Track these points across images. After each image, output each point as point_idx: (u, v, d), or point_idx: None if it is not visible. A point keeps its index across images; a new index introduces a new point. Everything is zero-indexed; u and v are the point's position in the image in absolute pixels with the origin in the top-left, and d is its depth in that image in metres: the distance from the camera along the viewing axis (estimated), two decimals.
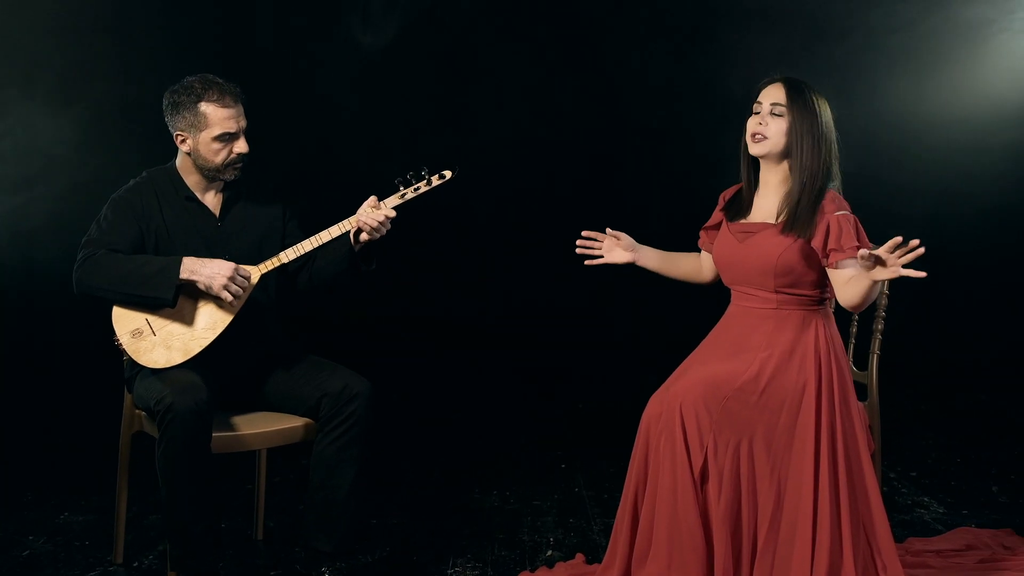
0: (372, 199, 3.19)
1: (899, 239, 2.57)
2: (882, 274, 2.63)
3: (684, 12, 5.96)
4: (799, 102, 2.93)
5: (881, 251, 2.59)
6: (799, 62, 5.70)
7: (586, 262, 3.28)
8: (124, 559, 3.46)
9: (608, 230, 3.26)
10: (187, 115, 3.14)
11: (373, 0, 5.70)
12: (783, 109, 2.94)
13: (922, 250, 2.56)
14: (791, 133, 2.93)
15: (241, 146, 3.19)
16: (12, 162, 5.65)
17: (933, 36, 5.89)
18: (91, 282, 3.07)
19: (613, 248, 3.27)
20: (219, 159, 3.18)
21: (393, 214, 3.17)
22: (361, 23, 5.66)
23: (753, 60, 5.68)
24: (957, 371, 5.91)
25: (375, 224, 3.14)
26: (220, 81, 3.17)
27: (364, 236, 3.18)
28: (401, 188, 3.22)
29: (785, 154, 2.96)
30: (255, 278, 3.15)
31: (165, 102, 3.19)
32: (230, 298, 3.08)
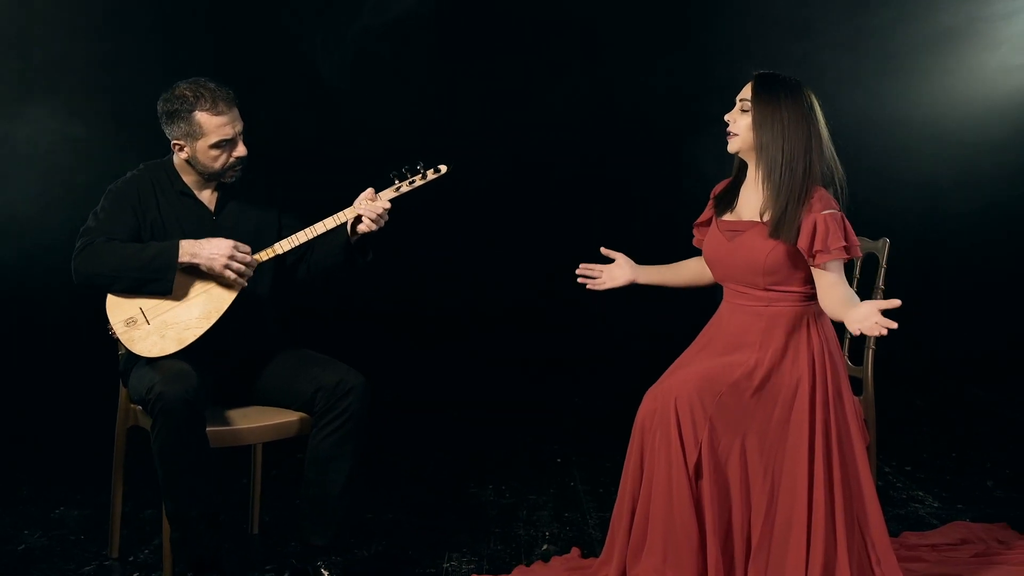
0: (369, 191, 3.20)
1: (898, 303, 2.55)
2: (854, 325, 2.62)
3: (676, 12, 5.96)
4: (763, 96, 2.93)
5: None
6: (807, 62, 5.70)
7: (587, 287, 3.32)
8: (120, 553, 3.47)
9: (603, 249, 3.29)
10: (182, 124, 3.14)
11: None
12: (748, 104, 2.95)
13: (898, 302, 2.55)
14: (754, 127, 2.93)
15: (240, 150, 3.19)
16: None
17: (944, 34, 5.90)
18: (90, 270, 3.07)
19: (612, 272, 3.29)
20: (218, 164, 3.18)
21: (388, 206, 3.18)
22: (358, 14, 5.66)
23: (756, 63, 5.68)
24: (952, 366, 5.92)
25: (373, 216, 3.15)
26: (212, 87, 3.15)
27: (362, 227, 3.19)
28: (396, 181, 3.23)
29: (758, 148, 2.96)
30: (248, 248, 3.15)
31: (159, 110, 3.18)
32: (233, 276, 3.09)
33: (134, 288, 3.07)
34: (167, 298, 3.09)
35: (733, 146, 3.01)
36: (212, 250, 3.08)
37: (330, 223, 3.21)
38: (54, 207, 5.55)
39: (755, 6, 5.89)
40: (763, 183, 2.94)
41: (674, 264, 3.32)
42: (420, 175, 3.24)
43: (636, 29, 5.96)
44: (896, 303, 2.55)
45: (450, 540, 3.62)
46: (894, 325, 2.53)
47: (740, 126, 2.97)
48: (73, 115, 5.68)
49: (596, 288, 3.31)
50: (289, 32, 5.81)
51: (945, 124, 6.02)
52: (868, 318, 2.57)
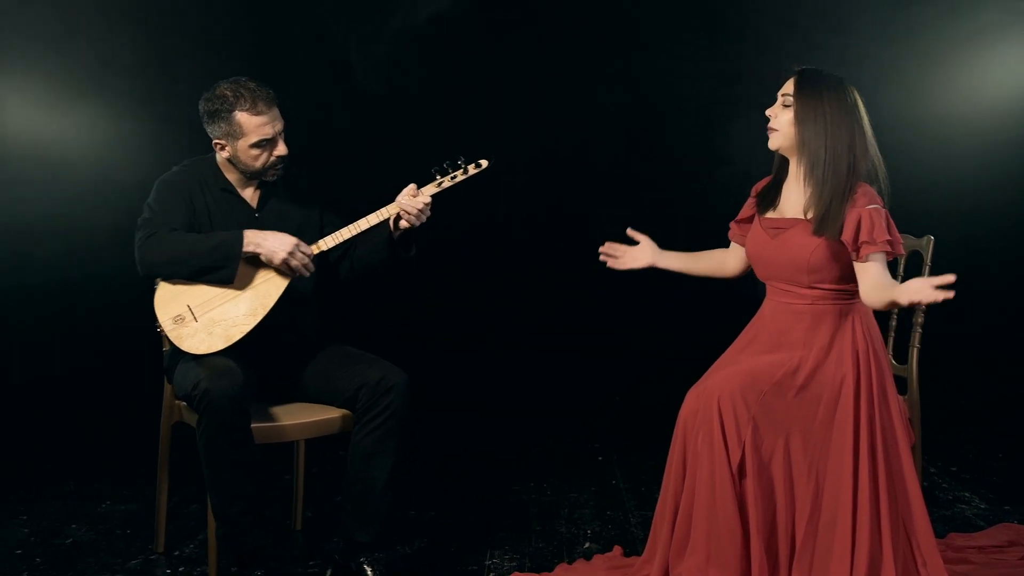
0: (411, 187, 3.22)
1: (952, 277, 2.54)
2: (905, 295, 2.61)
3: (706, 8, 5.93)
4: (806, 91, 2.91)
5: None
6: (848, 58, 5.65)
7: (608, 264, 3.34)
8: (165, 548, 3.51)
9: (629, 230, 3.31)
10: (223, 124, 3.17)
11: None
12: (791, 99, 2.93)
13: (952, 277, 2.54)
14: (796, 123, 2.91)
15: (280, 149, 3.22)
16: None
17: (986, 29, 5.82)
18: (157, 259, 3.10)
19: (633, 252, 3.31)
20: (259, 163, 3.21)
21: (429, 201, 3.20)
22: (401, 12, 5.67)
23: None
24: (999, 365, 5.84)
25: (415, 211, 3.17)
26: (252, 86, 3.17)
27: (404, 223, 3.21)
28: (438, 177, 3.25)
29: (800, 145, 2.94)
30: (308, 249, 3.18)
31: (200, 109, 3.21)
32: (295, 264, 3.12)
33: (198, 275, 3.11)
34: (215, 295, 3.12)
35: (774, 142, 2.99)
36: (276, 243, 3.11)
37: (373, 219, 3.23)
38: (101, 206, 5.60)
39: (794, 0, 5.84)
40: (806, 180, 2.92)
41: (695, 253, 3.32)
42: (461, 170, 3.26)
43: (668, 28, 5.93)
44: (951, 278, 2.52)
45: (492, 537, 3.63)
46: (951, 295, 2.52)
47: (781, 121, 2.95)
48: (121, 115, 5.74)
49: (615, 267, 3.33)
50: (327, 31, 5.83)
51: (985, 121, 5.94)
52: (923, 288, 2.56)
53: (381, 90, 5.75)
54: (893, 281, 2.79)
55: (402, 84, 5.91)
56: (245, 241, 3.10)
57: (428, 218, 3.22)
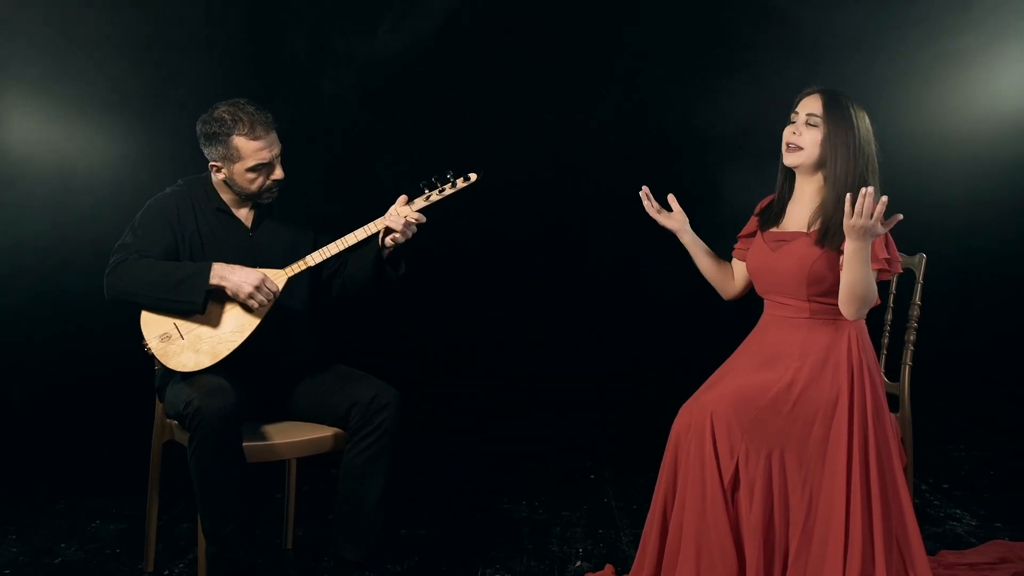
0: (402, 198, 3.23)
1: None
2: (855, 236, 2.70)
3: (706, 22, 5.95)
4: (836, 113, 2.93)
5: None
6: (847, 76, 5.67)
7: (644, 205, 3.30)
8: (155, 567, 3.49)
9: (670, 196, 3.31)
10: (220, 148, 3.16)
11: (397, 7, 5.72)
12: (819, 120, 2.94)
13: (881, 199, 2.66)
14: (825, 144, 2.93)
15: (277, 173, 3.22)
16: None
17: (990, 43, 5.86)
18: (122, 286, 3.09)
19: (667, 214, 3.30)
20: (255, 187, 3.21)
21: (416, 216, 3.19)
22: (385, 29, 5.69)
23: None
24: (988, 383, 5.86)
25: (399, 226, 3.17)
26: (251, 110, 3.17)
27: (389, 241, 3.21)
28: (426, 191, 3.25)
29: (820, 165, 2.96)
30: (282, 283, 3.17)
31: (198, 131, 3.21)
32: (256, 306, 3.10)
33: (164, 308, 3.10)
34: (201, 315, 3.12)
35: (795, 159, 2.99)
36: (241, 277, 3.09)
37: (360, 234, 3.22)
38: (98, 222, 5.59)
39: (790, 16, 5.86)
40: (818, 196, 2.95)
41: (714, 255, 3.31)
42: (450, 184, 3.25)
43: (672, 44, 5.95)
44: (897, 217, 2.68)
45: (483, 556, 3.62)
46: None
47: (806, 140, 2.96)
48: (130, 134, 5.76)
49: (648, 212, 3.29)
50: (321, 44, 5.84)
51: (978, 138, 5.97)
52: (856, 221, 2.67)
53: (372, 107, 5.77)
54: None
55: (394, 101, 5.92)
56: (211, 274, 3.08)
57: (414, 234, 3.21)
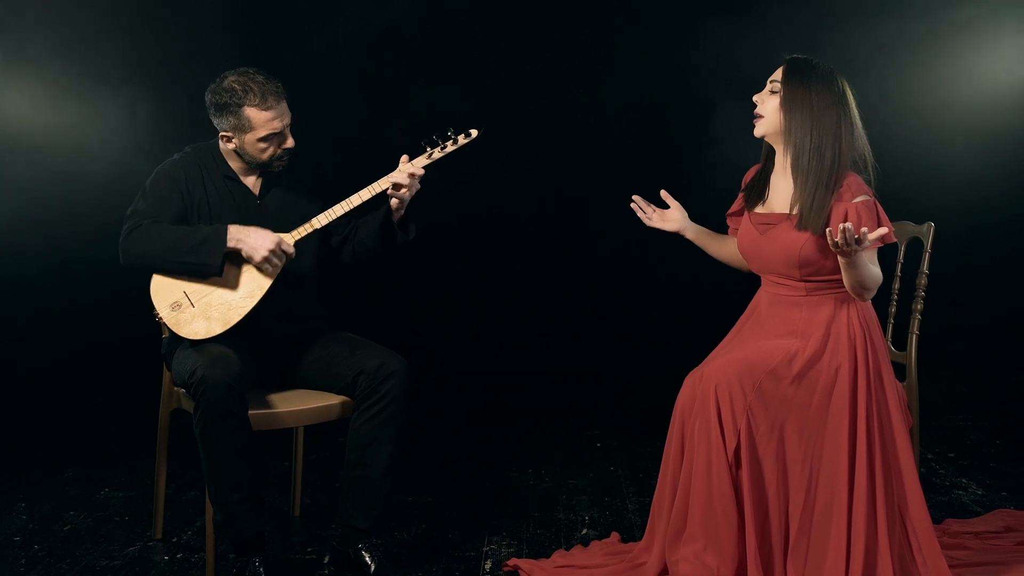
0: (404, 158, 3.23)
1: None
2: (844, 256, 2.68)
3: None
4: (793, 79, 2.89)
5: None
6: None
7: (640, 217, 3.31)
8: (163, 535, 3.51)
9: (663, 192, 3.30)
10: (231, 118, 3.15)
11: None
12: (778, 86, 2.91)
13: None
14: (782, 109, 2.90)
15: (288, 142, 3.21)
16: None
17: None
18: (137, 251, 3.09)
19: (664, 214, 3.29)
20: (266, 156, 3.20)
21: (419, 171, 3.19)
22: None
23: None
24: (997, 352, 5.85)
25: (404, 180, 3.17)
26: (260, 79, 3.15)
27: (395, 202, 3.20)
28: (428, 148, 3.24)
29: (785, 132, 2.93)
30: (290, 248, 3.17)
31: (207, 101, 3.19)
32: (269, 269, 3.10)
33: (182, 271, 3.10)
34: (210, 280, 3.11)
35: (759, 129, 2.97)
36: (257, 240, 3.09)
37: (365, 194, 3.21)
38: (109, 194, 5.59)
39: None
40: (792, 169, 2.91)
41: (721, 235, 3.30)
42: (452, 140, 3.25)
43: (668, 18, 5.91)
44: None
45: (490, 524, 3.63)
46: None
47: (767, 108, 2.94)
48: (123, 106, 5.75)
49: (646, 223, 3.30)
50: (324, 21, 5.82)
51: (987, 110, 5.94)
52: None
53: (376, 80, 5.75)
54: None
55: (398, 75, 5.91)
56: (228, 236, 3.08)
57: (417, 191, 3.21)
